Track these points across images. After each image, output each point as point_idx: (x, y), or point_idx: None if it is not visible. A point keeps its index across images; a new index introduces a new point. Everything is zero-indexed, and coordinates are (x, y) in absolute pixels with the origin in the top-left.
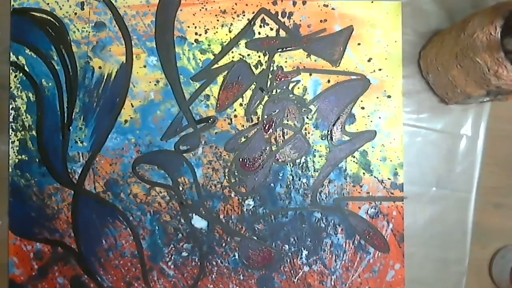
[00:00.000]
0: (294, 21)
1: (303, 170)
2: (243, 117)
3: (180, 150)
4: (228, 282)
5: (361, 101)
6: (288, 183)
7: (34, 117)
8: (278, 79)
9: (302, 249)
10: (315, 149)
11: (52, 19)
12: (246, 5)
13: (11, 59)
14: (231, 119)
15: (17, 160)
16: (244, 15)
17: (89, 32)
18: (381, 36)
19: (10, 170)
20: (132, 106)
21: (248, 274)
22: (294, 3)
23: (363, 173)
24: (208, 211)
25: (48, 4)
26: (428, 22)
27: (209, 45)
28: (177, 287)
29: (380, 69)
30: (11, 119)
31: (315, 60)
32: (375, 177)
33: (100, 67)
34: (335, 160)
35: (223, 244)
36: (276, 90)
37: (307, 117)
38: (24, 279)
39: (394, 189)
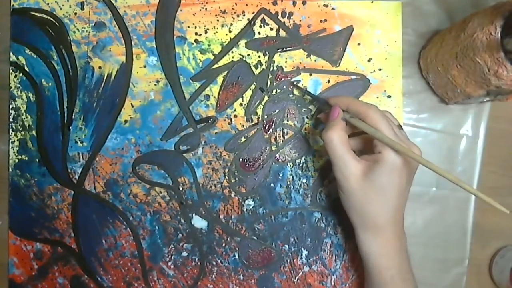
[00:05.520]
0: (294, 21)
1: (303, 170)
2: (243, 117)
3: (180, 150)
4: (228, 282)
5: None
6: (288, 183)
7: (34, 117)
8: (278, 79)
9: (302, 249)
10: (315, 149)
11: (52, 19)
12: (246, 5)
13: (11, 59)
14: (231, 119)
15: (17, 160)
16: (244, 15)
17: (89, 32)
18: (381, 36)
19: (10, 170)
20: (132, 106)
21: (248, 274)
22: (294, 3)
23: None
24: (208, 211)
25: (48, 4)
26: (428, 22)
27: (209, 45)
28: (177, 287)
29: (380, 69)
30: (11, 119)
31: (315, 60)
32: None
33: (100, 67)
34: None
35: (223, 244)
36: (276, 90)
37: (307, 117)
38: (24, 279)
39: None
